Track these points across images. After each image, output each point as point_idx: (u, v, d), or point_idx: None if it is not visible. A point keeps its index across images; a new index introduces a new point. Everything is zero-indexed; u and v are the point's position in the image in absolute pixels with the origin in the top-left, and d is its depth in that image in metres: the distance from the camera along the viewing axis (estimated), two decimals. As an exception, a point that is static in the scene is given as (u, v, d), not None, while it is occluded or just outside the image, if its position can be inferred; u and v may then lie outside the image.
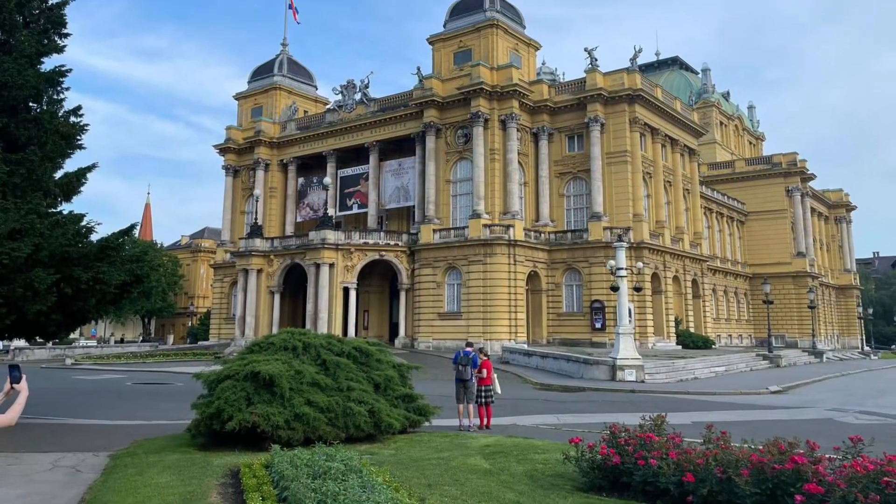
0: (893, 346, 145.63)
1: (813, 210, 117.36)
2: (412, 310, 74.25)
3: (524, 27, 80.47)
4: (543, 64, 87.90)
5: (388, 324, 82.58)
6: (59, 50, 29.45)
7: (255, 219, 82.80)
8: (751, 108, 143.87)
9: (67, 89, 29.40)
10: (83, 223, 28.19)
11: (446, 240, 72.61)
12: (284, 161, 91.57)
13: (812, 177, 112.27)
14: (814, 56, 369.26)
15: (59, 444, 21.67)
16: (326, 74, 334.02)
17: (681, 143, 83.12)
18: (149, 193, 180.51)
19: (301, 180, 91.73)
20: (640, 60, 78.28)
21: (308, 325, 67.98)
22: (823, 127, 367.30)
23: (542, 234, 73.66)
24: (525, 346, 64.60)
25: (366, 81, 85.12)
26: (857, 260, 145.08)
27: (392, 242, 74.60)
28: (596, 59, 74.47)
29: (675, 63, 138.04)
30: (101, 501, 14.11)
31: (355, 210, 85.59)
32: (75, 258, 26.21)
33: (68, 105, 29.73)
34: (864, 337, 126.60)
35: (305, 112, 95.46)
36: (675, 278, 78.64)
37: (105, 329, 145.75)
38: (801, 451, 12.41)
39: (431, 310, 72.16)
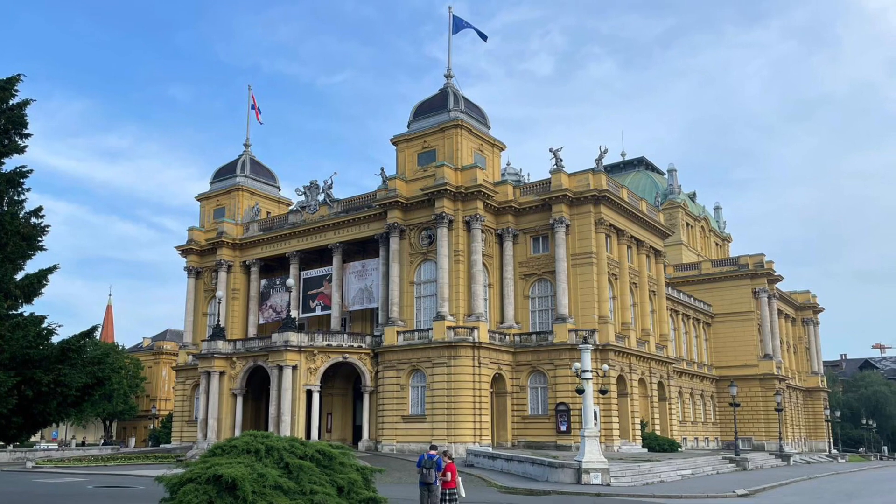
0: (861, 449, 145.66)
1: (780, 312, 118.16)
2: (376, 412, 73.51)
3: (489, 127, 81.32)
4: (508, 164, 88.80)
5: (351, 426, 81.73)
6: (20, 150, 29.37)
7: (218, 321, 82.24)
8: (717, 208, 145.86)
9: (28, 190, 29.28)
10: (44, 325, 27.93)
11: (410, 342, 72.33)
12: (247, 262, 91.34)
13: (779, 278, 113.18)
14: (781, 156, 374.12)
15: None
16: (289, 175, 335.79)
17: (647, 245, 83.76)
18: (110, 295, 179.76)
19: (264, 282, 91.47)
20: (606, 161, 79.10)
21: (271, 428, 67.19)
22: (791, 227, 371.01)
23: (507, 337, 73.55)
24: (490, 449, 64.02)
25: (329, 182, 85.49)
26: (824, 362, 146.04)
27: (355, 345, 74.20)
28: (561, 160, 75.14)
29: (640, 163, 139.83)
30: None
31: (318, 312, 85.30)
32: (36, 360, 25.93)
33: (29, 206, 29.56)
34: (831, 440, 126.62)
35: (268, 213, 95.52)
36: (641, 381, 78.51)
37: (66, 432, 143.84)
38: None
39: (395, 412, 71.50)
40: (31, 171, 28.95)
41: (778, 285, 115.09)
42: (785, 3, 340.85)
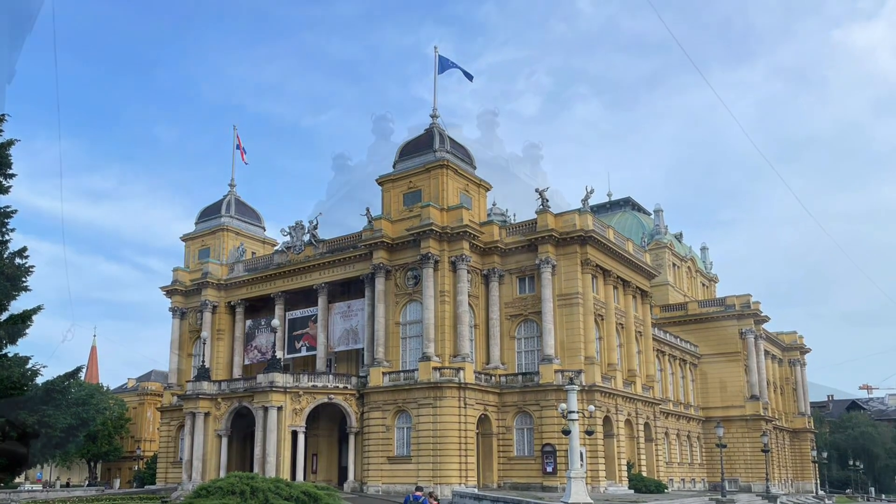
0: (848, 491, 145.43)
1: (767, 352, 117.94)
2: (361, 453, 73.03)
3: (474, 168, 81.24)
4: (494, 205, 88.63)
5: (336, 468, 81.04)
6: (4, 191, 29.36)
7: (203, 361, 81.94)
8: (704, 249, 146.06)
9: (13, 230, 29.27)
10: (29, 366, 27.81)
11: (396, 382, 72.01)
12: (232, 303, 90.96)
13: (766, 319, 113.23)
14: (768, 196, 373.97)
15: None
16: (274, 215, 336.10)
17: (633, 285, 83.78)
18: (94, 336, 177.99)
19: (249, 322, 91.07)
20: (592, 201, 79.14)
21: (256, 469, 66.70)
22: (777, 268, 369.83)
23: (493, 377, 73.29)
24: (475, 490, 63.61)
25: (314, 222, 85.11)
26: (811, 403, 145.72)
27: (341, 385, 73.90)
28: (547, 200, 74.87)
29: (627, 204, 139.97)
30: None
31: (304, 352, 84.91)
32: (21, 401, 25.75)
33: (14, 246, 29.57)
34: (818, 481, 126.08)
35: (253, 253, 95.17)
36: (628, 421, 78.26)
37: (51, 473, 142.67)
38: None
39: (381, 453, 71.09)
40: (16, 211, 28.95)
41: (765, 326, 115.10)
42: (771, 43, 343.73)
